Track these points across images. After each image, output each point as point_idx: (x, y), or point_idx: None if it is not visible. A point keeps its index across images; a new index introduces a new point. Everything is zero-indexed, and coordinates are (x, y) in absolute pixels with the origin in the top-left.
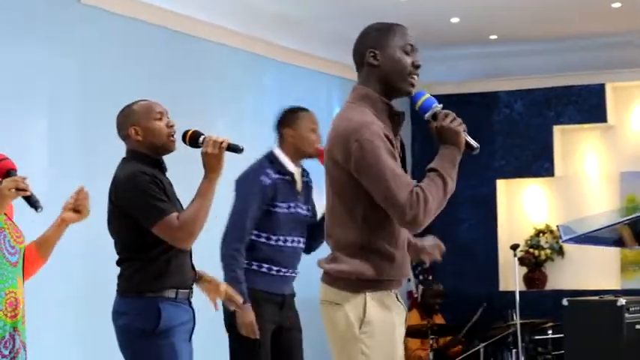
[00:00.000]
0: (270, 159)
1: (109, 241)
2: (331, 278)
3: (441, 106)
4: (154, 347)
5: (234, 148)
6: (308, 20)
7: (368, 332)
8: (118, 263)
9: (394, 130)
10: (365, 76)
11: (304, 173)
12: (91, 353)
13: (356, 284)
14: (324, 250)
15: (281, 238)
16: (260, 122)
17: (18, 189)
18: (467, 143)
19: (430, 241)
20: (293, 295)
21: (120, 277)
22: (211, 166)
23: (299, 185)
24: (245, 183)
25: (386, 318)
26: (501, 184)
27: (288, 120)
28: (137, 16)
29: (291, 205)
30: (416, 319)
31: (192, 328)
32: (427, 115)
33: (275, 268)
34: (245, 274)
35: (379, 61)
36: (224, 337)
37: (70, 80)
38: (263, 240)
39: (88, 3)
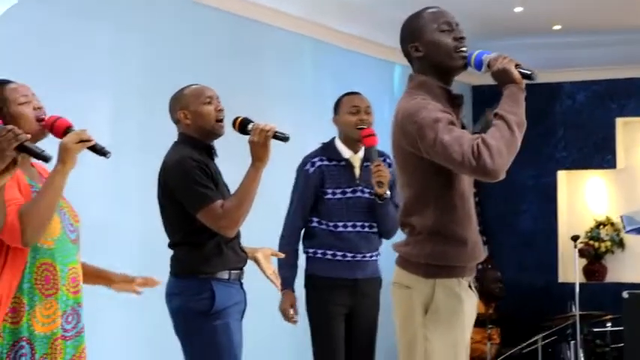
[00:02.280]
0: (324, 146)
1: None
2: (403, 261)
3: (492, 54)
4: (209, 327)
5: (281, 137)
6: (370, 7)
7: (433, 319)
8: (170, 246)
9: (455, 113)
10: (418, 67)
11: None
12: (148, 337)
13: (426, 269)
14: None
15: (339, 224)
16: (320, 108)
17: (82, 140)
18: (523, 74)
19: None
20: (372, 279)
21: (173, 259)
22: (257, 154)
23: (357, 170)
24: (297, 172)
25: (453, 306)
26: (562, 175)
27: (334, 107)
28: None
29: (347, 190)
30: (480, 308)
31: (244, 309)
32: (483, 71)
33: (339, 254)
34: (309, 261)
35: (422, 51)
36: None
37: (134, 62)
38: (323, 227)
39: None
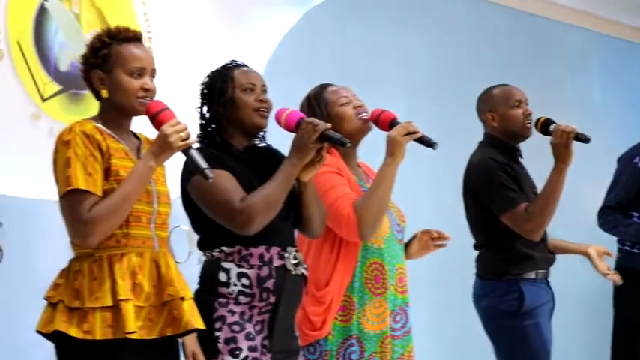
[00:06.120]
0: None
1: (466, 224)
2: None
3: None
4: (519, 327)
5: (583, 139)
6: None
7: None
8: (476, 247)
9: None
10: None
11: None
12: (456, 337)
13: None
14: None
15: None
16: (610, 107)
17: (410, 133)
18: None
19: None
20: None
21: (478, 260)
22: (559, 156)
23: None
24: (623, 162)
25: None
26: None
27: None
28: None
29: None
30: None
31: (552, 308)
32: None
33: None
34: (627, 255)
35: None
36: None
37: (424, 62)
38: None
39: None
